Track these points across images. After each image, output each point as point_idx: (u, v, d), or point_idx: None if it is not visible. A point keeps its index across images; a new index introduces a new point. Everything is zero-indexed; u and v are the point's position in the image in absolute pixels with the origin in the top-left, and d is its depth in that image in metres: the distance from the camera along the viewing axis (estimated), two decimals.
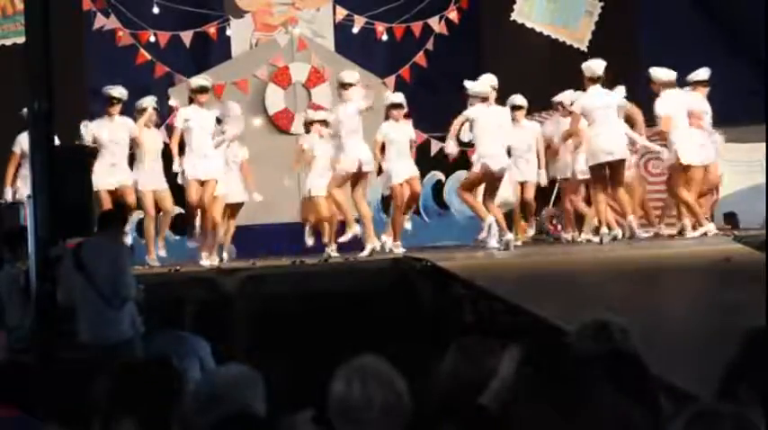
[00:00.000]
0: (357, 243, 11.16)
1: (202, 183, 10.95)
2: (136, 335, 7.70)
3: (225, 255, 11.78)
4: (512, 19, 14.63)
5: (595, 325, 4.35)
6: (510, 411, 3.19)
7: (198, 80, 11.34)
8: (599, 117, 11.27)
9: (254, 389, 3.43)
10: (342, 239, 11.22)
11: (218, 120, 11.81)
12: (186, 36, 13.48)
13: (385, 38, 14.11)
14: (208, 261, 11.09)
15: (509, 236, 11.22)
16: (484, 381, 3.56)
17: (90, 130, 11.05)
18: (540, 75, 12.38)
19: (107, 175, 10.86)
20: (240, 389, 3.40)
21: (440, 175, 13.81)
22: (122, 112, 11.19)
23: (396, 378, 3.18)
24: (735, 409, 2.43)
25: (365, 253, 10.99)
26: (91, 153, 10.08)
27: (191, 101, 11.00)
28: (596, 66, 11.39)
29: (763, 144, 11.90)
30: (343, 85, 11.15)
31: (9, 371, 4.35)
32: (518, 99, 12.16)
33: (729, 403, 2.74)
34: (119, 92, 11.16)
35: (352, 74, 11.44)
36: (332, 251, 11.37)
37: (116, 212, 8.57)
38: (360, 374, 3.15)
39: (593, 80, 11.33)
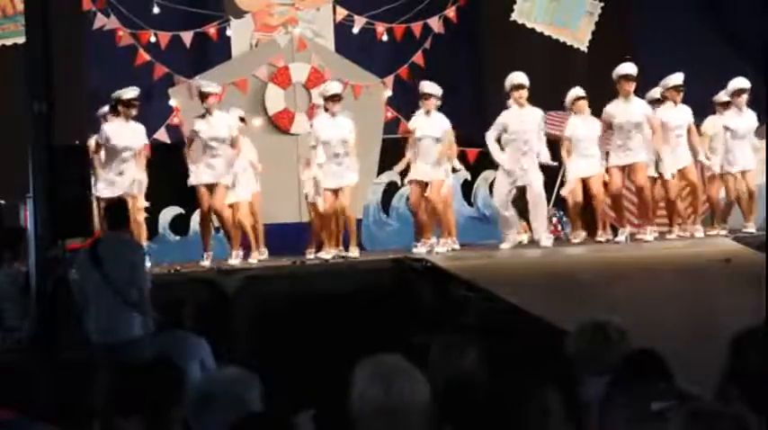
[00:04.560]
0: None
1: (211, 189, 10.91)
2: (146, 336, 7.66)
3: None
4: (512, 19, 14.62)
5: (594, 325, 4.37)
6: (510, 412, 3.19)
7: (206, 87, 11.21)
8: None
9: (252, 391, 3.43)
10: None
11: (242, 119, 11.87)
12: (186, 36, 13.45)
13: (385, 38, 14.10)
14: (237, 260, 11.07)
15: None
16: (466, 378, 3.57)
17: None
18: (540, 75, 12.35)
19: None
20: (238, 391, 3.40)
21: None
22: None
23: (420, 376, 3.15)
24: (732, 409, 2.44)
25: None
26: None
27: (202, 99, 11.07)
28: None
29: (764, 143, 11.93)
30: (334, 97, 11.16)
31: (6, 371, 4.34)
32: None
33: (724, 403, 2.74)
34: (133, 92, 10.82)
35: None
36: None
37: (123, 210, 8.50)
38: (386, 373, 3.11)
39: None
